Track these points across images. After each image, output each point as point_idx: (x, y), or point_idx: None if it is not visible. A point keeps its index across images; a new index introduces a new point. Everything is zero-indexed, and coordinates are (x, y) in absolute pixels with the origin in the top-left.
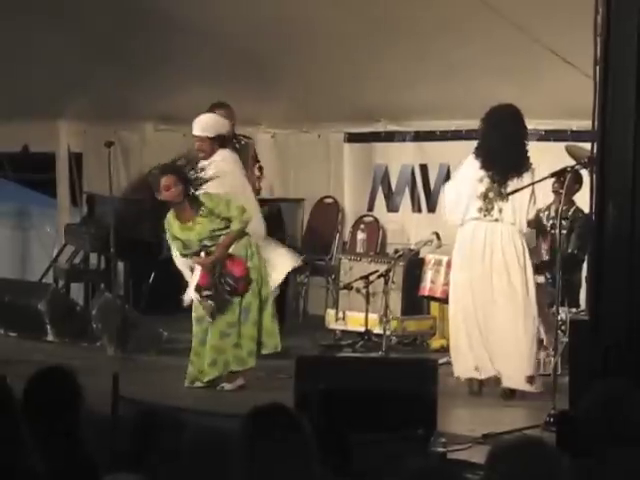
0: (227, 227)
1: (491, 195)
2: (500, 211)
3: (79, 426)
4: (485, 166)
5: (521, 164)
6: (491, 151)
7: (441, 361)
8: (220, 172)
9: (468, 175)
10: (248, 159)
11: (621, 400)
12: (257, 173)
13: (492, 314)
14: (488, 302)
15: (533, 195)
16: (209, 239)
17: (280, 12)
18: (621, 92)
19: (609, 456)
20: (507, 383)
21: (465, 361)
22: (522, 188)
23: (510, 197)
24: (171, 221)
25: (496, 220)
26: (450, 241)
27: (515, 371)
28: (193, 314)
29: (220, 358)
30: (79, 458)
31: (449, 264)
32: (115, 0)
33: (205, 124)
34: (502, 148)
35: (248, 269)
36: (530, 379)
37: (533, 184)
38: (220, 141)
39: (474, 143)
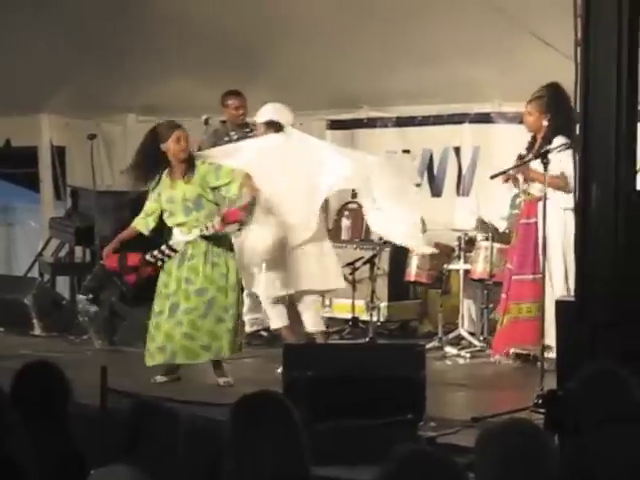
0: (215, 203)
1: None
2: None
3: (67, 419)
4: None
5: None
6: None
7: (429, 345)
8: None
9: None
10: None
11: (608, 379)
12: None
13: None
14: None
15: None
16: (194, 203)
17: (262, 1)
18: (602, 73)
19: (598, 435)
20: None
21: None
22: (506, 171)
23: None
24: (163, 178)
25: None
26: (434, 226)
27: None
28: None
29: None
30: (68, 451)
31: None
32: None
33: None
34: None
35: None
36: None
37: (516, 167)
38: (274, 126)
39: (456, 127)
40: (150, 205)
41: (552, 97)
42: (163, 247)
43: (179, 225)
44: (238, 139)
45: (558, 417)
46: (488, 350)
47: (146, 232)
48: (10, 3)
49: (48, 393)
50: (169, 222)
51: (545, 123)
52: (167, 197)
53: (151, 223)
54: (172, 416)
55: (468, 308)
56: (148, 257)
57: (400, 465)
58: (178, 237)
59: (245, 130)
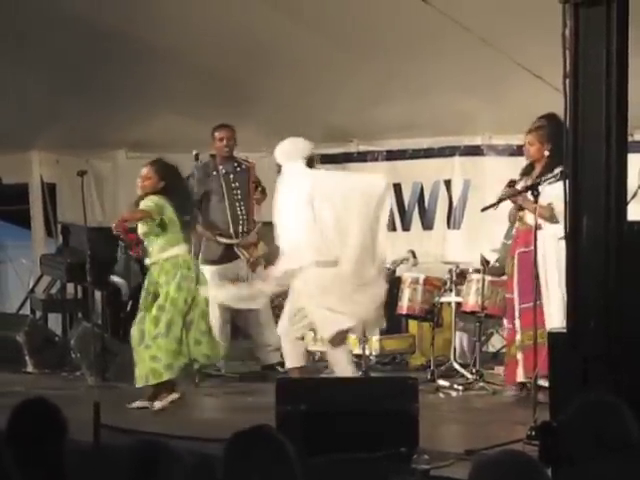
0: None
1: None
2: None
3: (63, 455)
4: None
5: None
6: None
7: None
8: None
9: None
10: (249, 182)
11: (602, 409)
12: (257, 195)
13: None
14: None
15: None
16: None
17: (250, 35)
18: (591, 104)
19: (591, 467)
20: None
21: None
22: (496, 203)
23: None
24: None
25: None
26: (425, 259)
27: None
28: None
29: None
30: None
31: (426, 282)
32: (82, 29)
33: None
34: None
35: None
36: None
37: (502, 200)
38: None
39: (446, 160)
40: None
41: (553, 128)
42: None
43: None
44: (226, 173)
45: (552, 448)
46: (481, 382)
47: None
48: None
49: (45, 429)
50: None
51: (546, 153)
52: None
53: None
54: (176, 453)
55: (460, 340)
56: None
57: None
58: None
59: (234, 164)
